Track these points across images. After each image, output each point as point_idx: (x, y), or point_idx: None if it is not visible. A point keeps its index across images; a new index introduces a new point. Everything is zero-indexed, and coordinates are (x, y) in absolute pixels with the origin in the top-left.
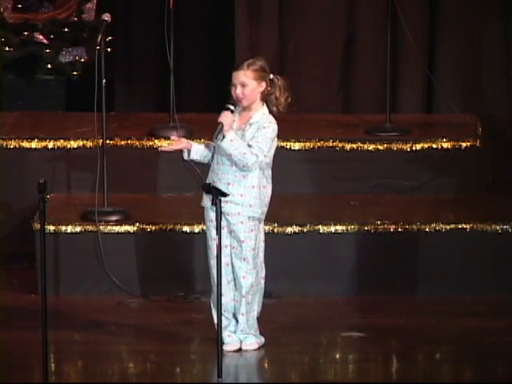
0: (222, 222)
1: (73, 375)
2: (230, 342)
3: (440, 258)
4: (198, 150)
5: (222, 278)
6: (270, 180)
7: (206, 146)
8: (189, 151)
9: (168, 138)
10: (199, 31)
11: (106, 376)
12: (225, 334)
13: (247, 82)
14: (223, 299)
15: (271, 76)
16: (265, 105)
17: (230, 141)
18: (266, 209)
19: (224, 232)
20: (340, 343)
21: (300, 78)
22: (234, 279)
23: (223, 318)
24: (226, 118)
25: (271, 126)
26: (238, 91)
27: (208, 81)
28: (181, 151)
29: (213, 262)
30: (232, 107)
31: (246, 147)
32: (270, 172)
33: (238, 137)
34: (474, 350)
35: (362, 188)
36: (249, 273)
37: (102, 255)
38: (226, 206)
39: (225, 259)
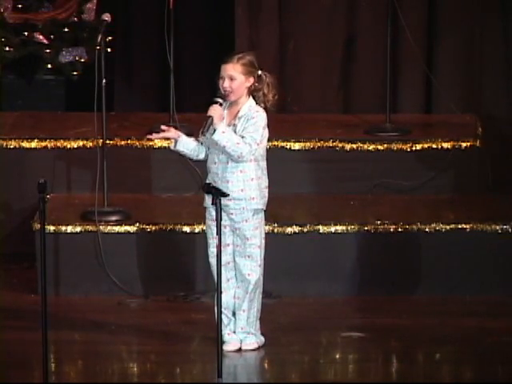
0: (224, 221)
1: (73, 375)
2: (230, 340)
3: (440, 258)
4: (185, 143)
5: (222, 276)
6: (265, 172)
7: (195, 140)
8: (176, 142)
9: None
10: (199, 31)
11: (106, 376)
12: (225, 333)
13: (235, 76)
14: (223, 297)
15: (259, 72)
16: (251, 97)
17: (222, 132)
18: (265, 199)
19: (226, 231)
20: (340, 343)
21: (300, 78)
22: (236, 277)
23: (223, 316)
24: (215, 111)
25: (259, 115)
26: (225, 84)
27: (208, 81)
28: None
29: (212, 261)
30: (220, 100)
31: (238, 137)
32: (264, 164)
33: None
34: (473, 350)
35: (361, 188)
36: (254, 270)
37: (102, 255)
38: (230, 204)
39: (225, 257)
